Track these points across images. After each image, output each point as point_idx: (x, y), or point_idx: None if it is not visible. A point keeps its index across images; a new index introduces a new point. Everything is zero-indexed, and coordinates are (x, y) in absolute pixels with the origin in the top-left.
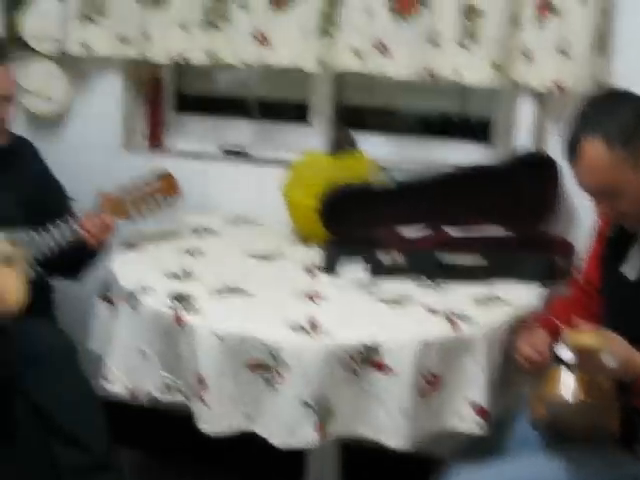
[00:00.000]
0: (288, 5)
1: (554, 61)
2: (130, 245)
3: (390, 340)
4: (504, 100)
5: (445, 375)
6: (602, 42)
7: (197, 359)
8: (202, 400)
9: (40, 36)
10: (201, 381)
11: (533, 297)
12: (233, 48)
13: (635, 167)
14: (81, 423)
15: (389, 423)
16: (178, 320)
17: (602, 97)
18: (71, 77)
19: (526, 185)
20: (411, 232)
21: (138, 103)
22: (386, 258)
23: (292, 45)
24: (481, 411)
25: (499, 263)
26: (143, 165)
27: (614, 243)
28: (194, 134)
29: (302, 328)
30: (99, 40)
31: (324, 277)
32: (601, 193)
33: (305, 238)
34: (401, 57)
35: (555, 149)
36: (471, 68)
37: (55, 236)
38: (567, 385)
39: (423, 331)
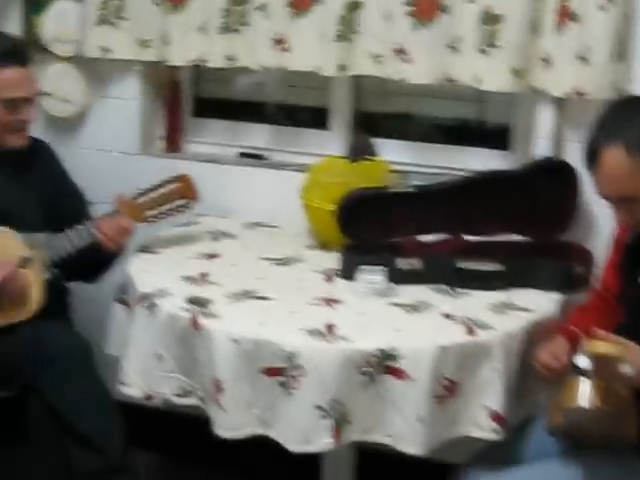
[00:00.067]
0: (307, 9)
1: (574, 67)
2: (147, 248)
3: (407, 346)
4: (523, 106)
5: (462, 381)
6: (622, 48)
7: (213, 363)
8: (218, 404)
9: (59, 39)
10: (217, 385)
11: (551, 304)
12: (252, 52)
13: None
14: (96, 425)
15: (405, 429)
16: (195, 324)
17: (622, 103)
18: (89, 80)
19: (545, 192)
20: (429, 238)
21: (156, 106)
22: (404, 264)
23: (311, 49)
24: (498, 418)
25: (517, 270)
26: (161, 168)
27: (633, 251)
28: (212, 138)
29: (319, 333)
30: (118, 43)
31: (341, 282)
32: (620, 200)
33: (323, 243)
34: (420, 62)
35: (574, 156)
36: (490, 74)
37: (73, 239)
38: (584, 392)
39: (440, 337)
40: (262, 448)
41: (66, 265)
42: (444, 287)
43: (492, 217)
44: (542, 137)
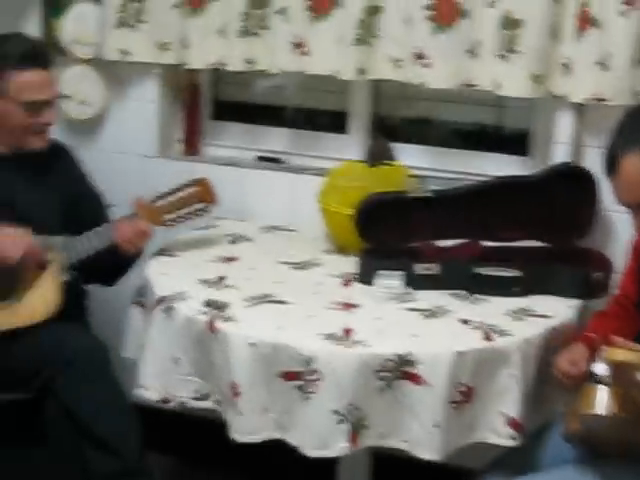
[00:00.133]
0: (327, 13)
1: (593, 73)
2: (165, 251)
3: (424, 351)
4: (542, 112)
5: (479, 387)
6: None
7: (230, 367)
8: (235, 408)
9: (78, 41)
10: (234, 389)
11: (569, 311)
12: (271, 55)
13: None
14: (113, 428)
15: (422, 435)
16: (212, 327)
17: None
18: (108, 82)
19: (563, 198)
20: (447, 243)
21: (175, 109)
22: (421, 269)
23: (330, 53)
24: (514, 424)
25: (535, 276)
26: (179, 171)
27: None
28: (231, 141)
29: (336, 337)
30: (137, 46)
31: (359, 286)
32: (639, 207)
33: (340, 247)
34: (440, 67)
35: (593, 162)
36: (510, 79)
37: (91, 241)
38: (602, 399)
39: (457, 343)
40: (278, 452)
41: (84, 268)
42: (462, 293)
43: (510, 223)
44: (561, 143)
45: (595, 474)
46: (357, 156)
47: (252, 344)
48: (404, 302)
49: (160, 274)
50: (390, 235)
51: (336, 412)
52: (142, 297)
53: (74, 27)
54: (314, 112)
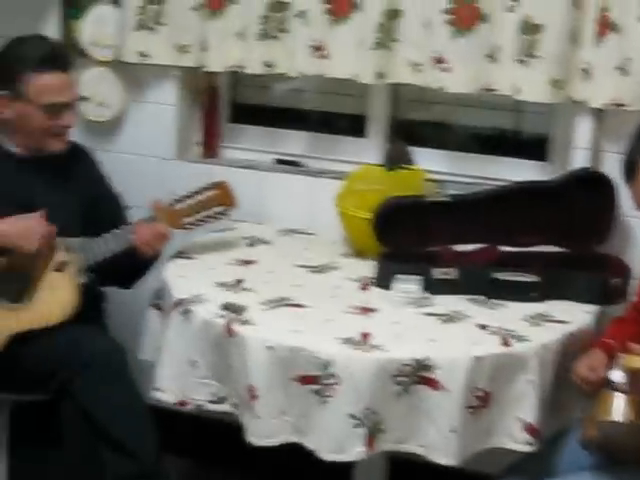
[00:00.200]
0: (347, 17)
1: (613, 78)
2: (183, 254)
3: (442, 356)
4: (561, 117)
5: (496, 393)
6: None
7: (248, 370)
8: (251, 411)
9: (97, 43)
10: (251, 392)
11: (586, 317)
12: (290, 59)
13: None
14: (130, 430)
15: (439, 440)
16: (229, 330)
17: None
18: (127, 84)
19: (582, 203)
20: (465, 248)
21: (193, 112)
22: (439, 273)
23: (350, 57)
24: (532, 430)
25: (553, 281)
26: (197, 174)
27: None
28: (249, 144)
29: (354, 342)
30: (156, 48)
31: (377, 291)
32: None
33: (358, 251)
34: (459, 71)
35: (612, 167)
36: (529, 84)
37: (109, 243)
38: (619, 406)
39: (475, 348)
40: (294, 456)
41: (102, 270)
42: (480, 297)
43: (529, 228)
44: (580, 148)
45: None
46: (375, 160)
47: (269, 347)
48: (422, 307)
49: (178, 277)
50: (408, 239)
51: (353, 416)
52: (160, 300)
53: (93, 29)
54: (333, 115)
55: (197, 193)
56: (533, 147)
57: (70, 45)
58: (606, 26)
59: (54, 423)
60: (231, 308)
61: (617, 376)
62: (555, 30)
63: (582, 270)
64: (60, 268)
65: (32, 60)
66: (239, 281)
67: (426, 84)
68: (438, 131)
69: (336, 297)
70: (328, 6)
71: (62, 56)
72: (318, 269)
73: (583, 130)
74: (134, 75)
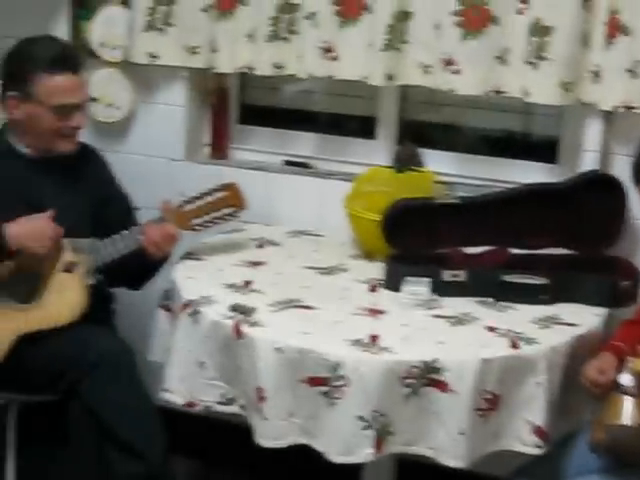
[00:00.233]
0: (356, 18)
1: (623, 81)
2: (192, 255)
3: (450, 359)
4: (571, 119)
5: (505, 395)
6: None
7: (256, 371)
8: (260, 413)
9: (106, 44)
10: (259, 394)
11: (596, 319)
12: (300, 60)
13: None
14: (138, 431)
15: (447, 442)
16: (238, 332)
17: None
18: (136, 85)
19: (591, 206)
20: (474, 250)
21: (203, 113)
22: (448, 275)
23: (359, 58)
24: (540, 432)
25: (562, 284)
26: (206, 175)
27: None
28: (258, 145)
29: (362, 344)
30: (166, 49)
31: (385, 292)
32: None
33: (367, 253)
34: (469, 73)
35: (622, 170)
36: (539, 86)
37: (118, 245)
38: (627, 410)
39: (484, 350)
40: (303, 458)
41: (111, 271)
42: (489, 300)
43: (538, 230)
44: (589, 151)
45: None
46: (385, 162)
47: (278, 349)
48: (431, 309)
49: (187, 278)
50: (417, 241)
51: (361, 418)
52: (168, 301)
53: (103, 30)
54: (342, 117)
55: (206, 194)
56: (542, 149)
57: (80, 46)
58: (616, 28)
59: (62, 423)
60: (240, 309)
61: (626, 379)
62: (565, 32)
63: (591, 273)
64: (69, 269)
65: (42, 61)
66: (248, 282)
67: (436, 86)
68: (447, 133)
69: (345, 299)
70: (338, 7)
71: (72, 57)
72: (327, 271)
73: (593, 132)
74: (143, 76)
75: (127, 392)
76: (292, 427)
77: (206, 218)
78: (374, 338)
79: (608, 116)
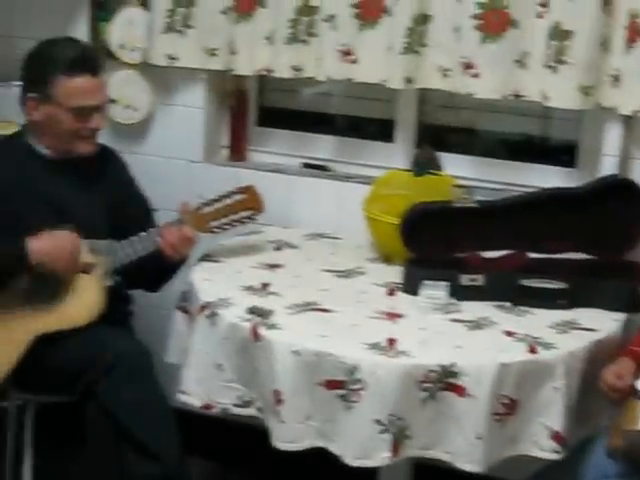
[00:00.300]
0: (375, 21)
1: None
2: (210, 257)
3: (468, 363)
4: (590, 123)
5: (522, 400)
6: None
7: (273, 374)
8: (277, 415)
9: (125, 45)
10: (277, 396)
11: (614, 325)
12: (319, 63)
13: None
14: (153, 432)
15: (464, 446)
16: (255, 334)
17: None
18: (155, 87)
19: (610, 211)
20: (492, 254)
21: (221, 115)
22: (466, 279)
23: (378, 61)
24: (558, 437)
25: (580, 288)
26: (224, 177)
27: None
28: (276, 148)
29: (380, 347)
30: (185, 51)
31: (403, 296)
32: None
33: (385, 256)
34: (488, 77)
35: None
36: (558, 91)
37: (135, 247)
38: None
39: (501, 355)
40: (319, 461)
41: (129, 272)
42: (507, 304)
43: (556, 235)
44: (609, 155)
45: None
46: (403, 165)
47: (295, 352)
48: (448, 313)
49: (204, 280)
50: (435, 245)
51: (378, 422)
52: (186, 302)
53: (122, 32)
54: (360, 120)
55: (225, 197)
56: (561, 154)
57: (99, 47)
58: (636, 32)
59: (78, 424)
60: (257, 312)
61: None
62: (585, 36)
63: (610, 278)
64: (87, 270)
65: (62, 63)
66: (265, 285)
67: (455, 90)
68: (466, 137)
69: (362, 302)
70: (357, 10)
71: (92, 59)
72: (345, 274)
73: (612, 137)
74: (162, 78)
75: (144, 393)
76: (309, 430)
77: (224, 221)
78: (391, 342)
79: (628, 120)
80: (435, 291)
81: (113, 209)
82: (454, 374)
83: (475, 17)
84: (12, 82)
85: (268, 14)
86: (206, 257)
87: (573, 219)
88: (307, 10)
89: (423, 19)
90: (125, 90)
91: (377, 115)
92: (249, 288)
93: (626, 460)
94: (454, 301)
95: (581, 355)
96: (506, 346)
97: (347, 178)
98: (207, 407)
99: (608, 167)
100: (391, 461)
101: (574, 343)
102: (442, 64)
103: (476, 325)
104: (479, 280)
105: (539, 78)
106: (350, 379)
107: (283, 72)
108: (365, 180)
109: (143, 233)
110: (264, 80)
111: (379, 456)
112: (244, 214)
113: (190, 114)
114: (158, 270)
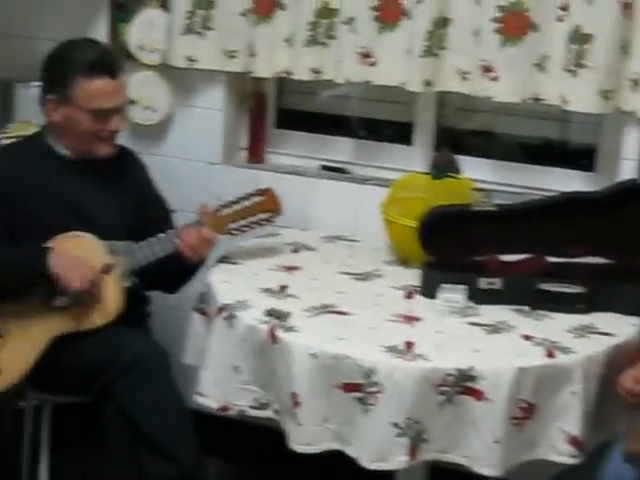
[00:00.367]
0: (395, 24)
1: None
2: (228, 259)
3: (486, 367)
4: (609, 127)
5: (540, 404)
6: None
7: (291, 377)
8: (294, 418)
9: (145, 47)
10: (294, 399)
11: (632, 329)
12: (338, 65)
13: None
14: (170, 433)
15: (482, 450)
16: (273, 337)
17: None
18: (174, 88)
19: (630, 215)
20: (511, 258)
21: (240, 117)
22: (484, 283)
23: (397, 64)
24: (576, 442)
25: (599, 293)
26: (243, 179)
27: None
28: (295, 150)
29: (397, 350)
30: (204, 53)
31: (421, 299)
32: None
33: (403, 259)
34: (507, 80)
35: None
36: (578, 94)
37: (154, 248)
38: None
39: (519, 359)
40: (334, 461)
41: (147, 274)
42: (525, 308)
43: (575, 239)
44: (628, 159)
45: None
46: (421, 168)
47: (313, 354)
48: (466, 316)
49: (222, 282)
50: (453, 248)
51: (396, 425)
52: (204, 304)
53: (141, 33)
54: (379, 122)
55: (243, 199)
56: (580, 157)
57: (118, 49)
58: None
59: (95, 424)
60: (275, 314)
61: None
62: (605, 40)
63: (628, 282)
64: (105, 271)
65: (82, 64)
66: (283, 287)
67: (474, 93)
68: (485, 140)
69: (380, 305)
70: (377, 13)
71: (112, 61)
72: (362, 276)
73: (631, 141)
74: (181, 79)
75: (160, 394)
76: (326, 433)
77: (242, 222)
78: (409, 345)
79: None
80: (453, 294)
81: (132, 210)
82: (472, 378)
83: (495, 20)
84: (32, 83)
85: (287, 16)
86: (224, 259)
87: (592, 223)
88: (326, 12)
89: (443, 22)
90: (144, 91)
91: (396, 118)
92: (267, 290)
93: None
94: (472, 305)
95: (599, 359)
96: (524, 350)
97: (365, 181)
98: (224, 409)
99: (627, 171)
100: (408, 464)
101: (592, 347)
102: (461, 67)
103: (494, 329)
104: (497, 284)
105: (559, 82)
106: (367, 382)
107: (302, 74)
108: (383, 183)
109: (162, 234)
110: (283, 82)
111: (396, 459)
112: (262, 216)
113: (209, 116)
114: (176, 272)
